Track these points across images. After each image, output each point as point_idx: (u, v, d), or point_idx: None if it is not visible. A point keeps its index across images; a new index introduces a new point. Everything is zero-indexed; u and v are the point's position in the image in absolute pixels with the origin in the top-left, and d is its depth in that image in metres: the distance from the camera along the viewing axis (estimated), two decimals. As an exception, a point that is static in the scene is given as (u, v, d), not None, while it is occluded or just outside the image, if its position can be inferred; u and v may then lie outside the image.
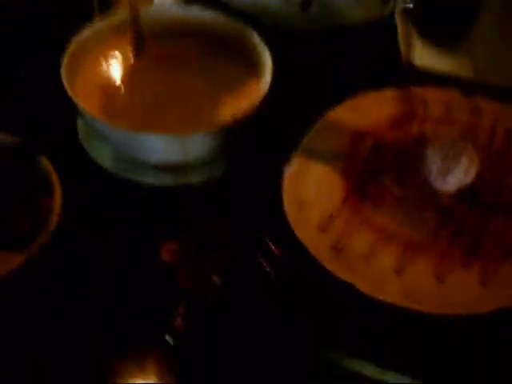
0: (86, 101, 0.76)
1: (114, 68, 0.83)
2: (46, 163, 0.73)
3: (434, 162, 0.70)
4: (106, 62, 0.83)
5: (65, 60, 0.78)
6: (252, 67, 0.80)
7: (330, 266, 0.67)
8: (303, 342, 0.66)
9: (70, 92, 0.75)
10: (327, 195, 0.72)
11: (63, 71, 0.77)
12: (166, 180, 0.78)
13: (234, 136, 0.76)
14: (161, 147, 0.75)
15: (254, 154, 0.77)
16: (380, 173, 0.72)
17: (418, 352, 0.64)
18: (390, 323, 0.65)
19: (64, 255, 0.71)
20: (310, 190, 0.72)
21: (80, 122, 0.81)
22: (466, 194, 0.70)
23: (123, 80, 0.82)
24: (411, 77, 0.82)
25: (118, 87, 0.82)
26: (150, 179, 0.78)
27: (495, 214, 0.70)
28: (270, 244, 0.70)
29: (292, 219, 0.70)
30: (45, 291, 0.70)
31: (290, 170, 0.73)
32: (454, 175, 0.69)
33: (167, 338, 0.66)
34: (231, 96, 0.79)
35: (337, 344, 0.66)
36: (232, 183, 0.76)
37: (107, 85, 0.81)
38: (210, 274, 0.67)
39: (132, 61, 0.83)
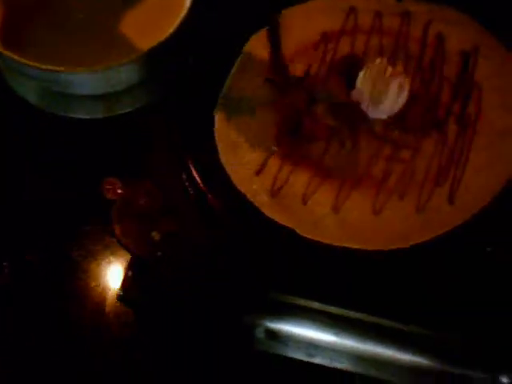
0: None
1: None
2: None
3: (364, 91, 0.68)
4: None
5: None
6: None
7: (267, 210, 0.67)
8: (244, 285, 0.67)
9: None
10: (260, 135, 0.70)
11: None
12: (94, 113, 0.77)
13: (159, 61, 0.74)
14: (85, 81, 0.74)
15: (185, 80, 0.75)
16: (312, 103, 0.70)
17: (361, 287, 0.65)
18: (331, 261, 0.66)
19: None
20: (242, 129, 0.71)
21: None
22: (398, 118, 0.69)
23: (41, 11, 0.78)
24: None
25: (36, 19, 0.77)
26: (78, 113, 0.77)
27: (427, 134, 0.70)
28: (195, 175, 0.69)
29: (226, 163, 0.69)
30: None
31: (220, 111, 0.72)
32: (385, 103, 0.68)
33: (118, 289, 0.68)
34: (153, 19, 0.76)
35: (279, 286, 0.67)
36: (165, 112, 0.74)
37: (24, 17, 0.77)
38: (148, 229, 0.66)
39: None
